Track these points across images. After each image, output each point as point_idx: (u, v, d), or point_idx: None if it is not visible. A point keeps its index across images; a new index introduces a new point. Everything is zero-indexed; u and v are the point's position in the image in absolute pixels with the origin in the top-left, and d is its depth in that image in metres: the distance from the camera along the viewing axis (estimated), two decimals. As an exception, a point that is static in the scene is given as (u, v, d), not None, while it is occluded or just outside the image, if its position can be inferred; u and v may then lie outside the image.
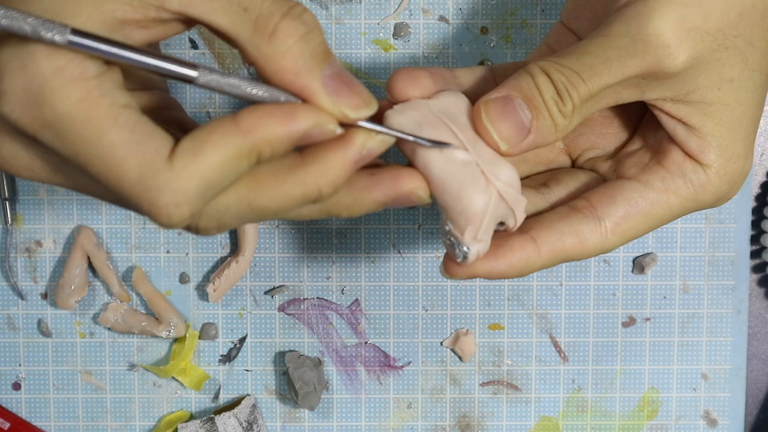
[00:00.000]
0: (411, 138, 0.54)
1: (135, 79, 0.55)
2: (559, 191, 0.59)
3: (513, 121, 0.54)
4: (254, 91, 0.51)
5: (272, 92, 0.51)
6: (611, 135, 0.60)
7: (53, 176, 0.52)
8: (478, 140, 0.55)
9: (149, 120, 0.49)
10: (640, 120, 0.60)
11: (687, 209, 0.57)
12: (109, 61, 0.50)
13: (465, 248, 0.54)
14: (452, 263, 0.55)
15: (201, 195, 0.49)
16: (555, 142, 0.54)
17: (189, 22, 0.51)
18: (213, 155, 0.49)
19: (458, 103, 0.56)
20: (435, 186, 0.54)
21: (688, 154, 0.56)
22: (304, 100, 0.51)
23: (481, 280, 0.74)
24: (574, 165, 0.61)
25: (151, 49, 0.51)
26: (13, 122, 0.49)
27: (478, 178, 0.53)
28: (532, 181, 0.60)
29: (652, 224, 0.57)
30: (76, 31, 0.48)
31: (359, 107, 0.51)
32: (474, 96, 0.56)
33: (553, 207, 0.58)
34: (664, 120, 0.56)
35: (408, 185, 0.54)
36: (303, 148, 0.52)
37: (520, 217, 0.55)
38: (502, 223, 0.55)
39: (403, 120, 0.55)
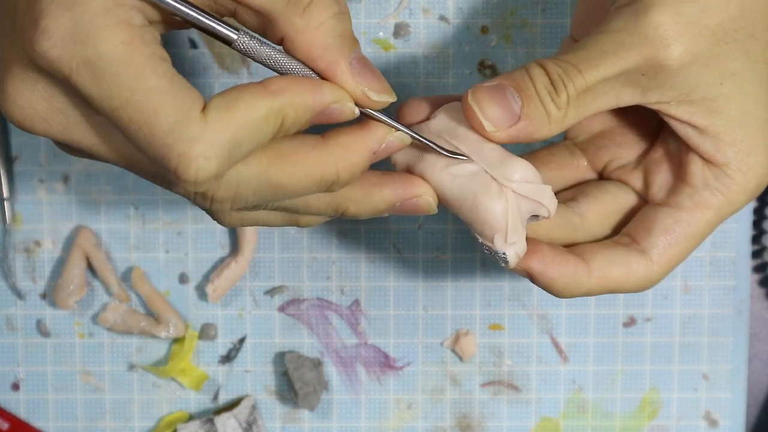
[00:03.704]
0: (429, 143, 0.55)
1: None
2: (587, 203, 0.59)
3: (501, 105, 0.54)
4: (287, 64, 0.52)
5: (303, 70, 0.52)
6: (632, 144, 0.60)
7: (67, 132, 0.52)
8: (483, 146, 0.55)
9: (183, 78, 0.50)
10: (659, 126, 0.60)
11: (724, 216, 0.57)
12: (151, 21, 0.50)
13: (502, 254, 0.54)
14: None
15: (230, 151, 0.50)
16: (550, 135, 0.54)
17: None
18: (244, 112, 0.50)
19: (457, 115, 0.56)
20: (451, 204, 0.55)
21: (706, 159, 0.56)
22: (330, 78, 0.52)
23: (481, 280, 0.74)
24: (601, 178, 0.61)
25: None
26: (48, 60, 0.49)
27: (490, 185, 0.54)
28: (559, 197, 0.60)
29: (694, 244, 0.57)
30: None
31: (381, 92, 0.53)
32: None
33: (583, 218, 0.59)
34: (675, 126, 0.56)
35: (420, 189, 0.55)
36: (325, 134, 0.53)
37: (551, 204, 0.55)
38: (536, 216, 0.56)
39: (403, 152, 0.56)
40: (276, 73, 0.53)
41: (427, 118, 0.57)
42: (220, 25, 0.51)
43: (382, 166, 0.56)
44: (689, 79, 0.54)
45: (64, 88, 0.50)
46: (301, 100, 0.51)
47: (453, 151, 0.55)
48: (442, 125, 0.56)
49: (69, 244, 0.74)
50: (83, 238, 0.74)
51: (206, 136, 0.49)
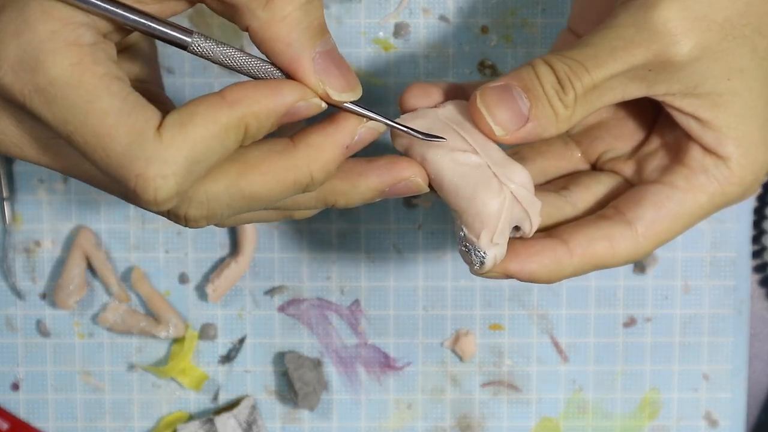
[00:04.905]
0: (403, 129, 0.54)
1: (122, 47, 0.55)
2: (579, 193, 0.58)
3: (509, 107, 0.54)
4: (247, 63, 0.50)
5: (265, 66, 0.51)
6: (627, 135, 0.60)
7: (41, 155, 0.51)
8: (488, 144, 0.55)
9: (139, 94, 0.49)
10: (655, 118, 0.60)
11: (716, 205, 0.56)
12: (104, 34, 0.50)
13: (482, 253, 0.54)
14: None
15: (189, 168, 0.48)
16: (557, 134, 0.54)
17: None
18: (200, 127, 0.48)
19: (465, 111, 0.56)
20: (448, 191, 0.54)
21: (706, 149, 0.56)
22: (291, 74, 0.51)
23: (482, 280, 0.74)
24: (594, 169, 0.61)
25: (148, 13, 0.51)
26: (3, 89, 0.48)
27: (491, 180, 0.53)
28: (552, 185, 0.59)
29: (683, 225, 0.57)
30: None
31: (344, 90, 0.51)
32: None
33: (576, 208, 0.58)
34: (678, 117, 0.56)
35: (405, 172, 0.54)
36: (294, 136, 0.52)
37: (536, 221, 0.55)
38: (517, 228, 0.55)
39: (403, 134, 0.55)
40: (240, 74, 0.51)
41: (434, 106, 0.57)
42: (172, 29, 0.50)
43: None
44: (697, 74, 0.54)
45: (27, 114, 0.49)
46: (261, 107, 0.50)
47: (431, 134, 0.54)
48: (450, 115, 0.56)
49: (69, 244, 0.74)
50: (83, 238, 0.74)
51: (161, 156, 0.48)
